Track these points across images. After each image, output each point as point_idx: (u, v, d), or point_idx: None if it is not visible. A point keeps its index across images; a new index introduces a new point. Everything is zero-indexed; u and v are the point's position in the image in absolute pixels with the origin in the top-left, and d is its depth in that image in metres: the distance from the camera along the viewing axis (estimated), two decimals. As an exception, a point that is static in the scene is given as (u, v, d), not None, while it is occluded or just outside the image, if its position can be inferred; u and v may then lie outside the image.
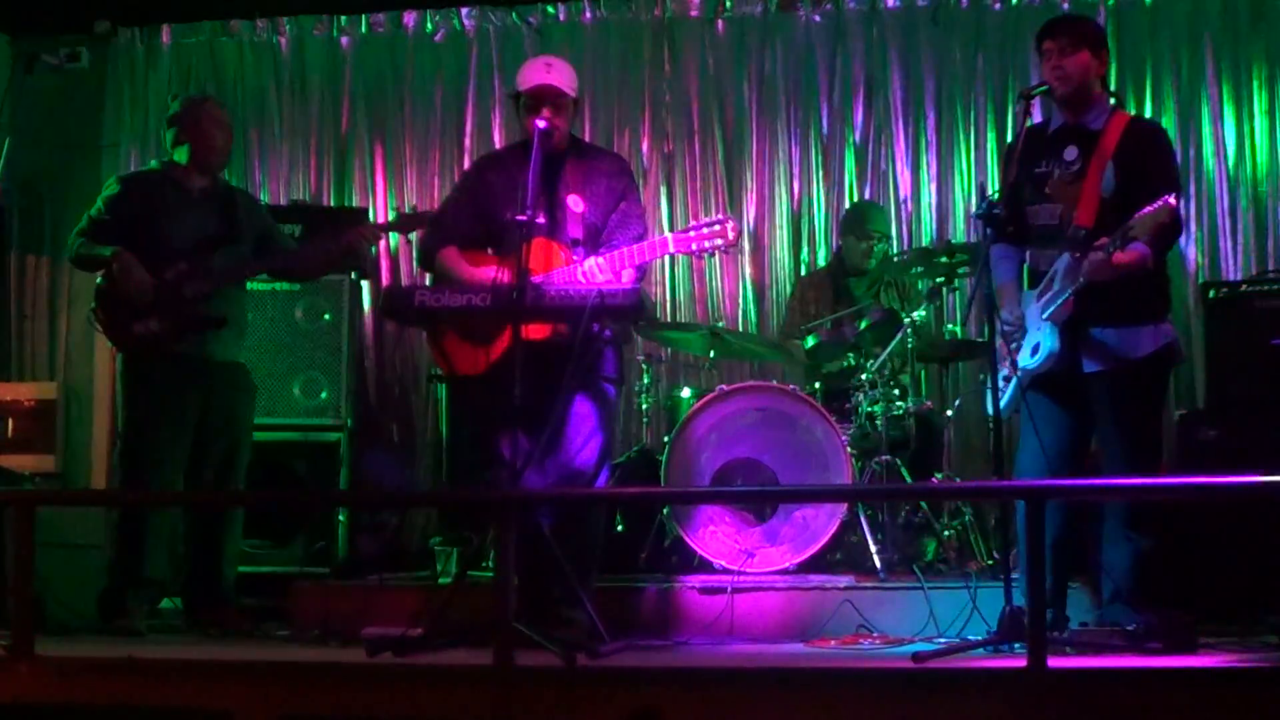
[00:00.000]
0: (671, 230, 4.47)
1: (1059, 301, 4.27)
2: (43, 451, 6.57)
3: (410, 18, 7.26)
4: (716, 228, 4.41)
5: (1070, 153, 4.42)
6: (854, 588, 4.93)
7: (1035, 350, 4.33)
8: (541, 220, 4.45)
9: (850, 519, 5.33)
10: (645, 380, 6.12)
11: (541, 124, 4.47)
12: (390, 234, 5.24)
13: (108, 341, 5.31)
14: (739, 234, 4.66)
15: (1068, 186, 4.39)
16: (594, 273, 4.41)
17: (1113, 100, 4.53)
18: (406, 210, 5.26)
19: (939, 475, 5.71)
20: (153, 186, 5.27)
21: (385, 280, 7.10)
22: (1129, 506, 4.31)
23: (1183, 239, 6.51)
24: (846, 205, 6.76)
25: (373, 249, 6.04)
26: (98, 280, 5.18)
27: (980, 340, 5.74)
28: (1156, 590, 4.28)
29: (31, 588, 3.91)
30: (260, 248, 5.34)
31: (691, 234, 4.42)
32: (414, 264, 6.84)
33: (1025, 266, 4.55)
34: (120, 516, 5.18)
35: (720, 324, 6.27)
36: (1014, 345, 4.40)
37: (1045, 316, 4.31)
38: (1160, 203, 4.04)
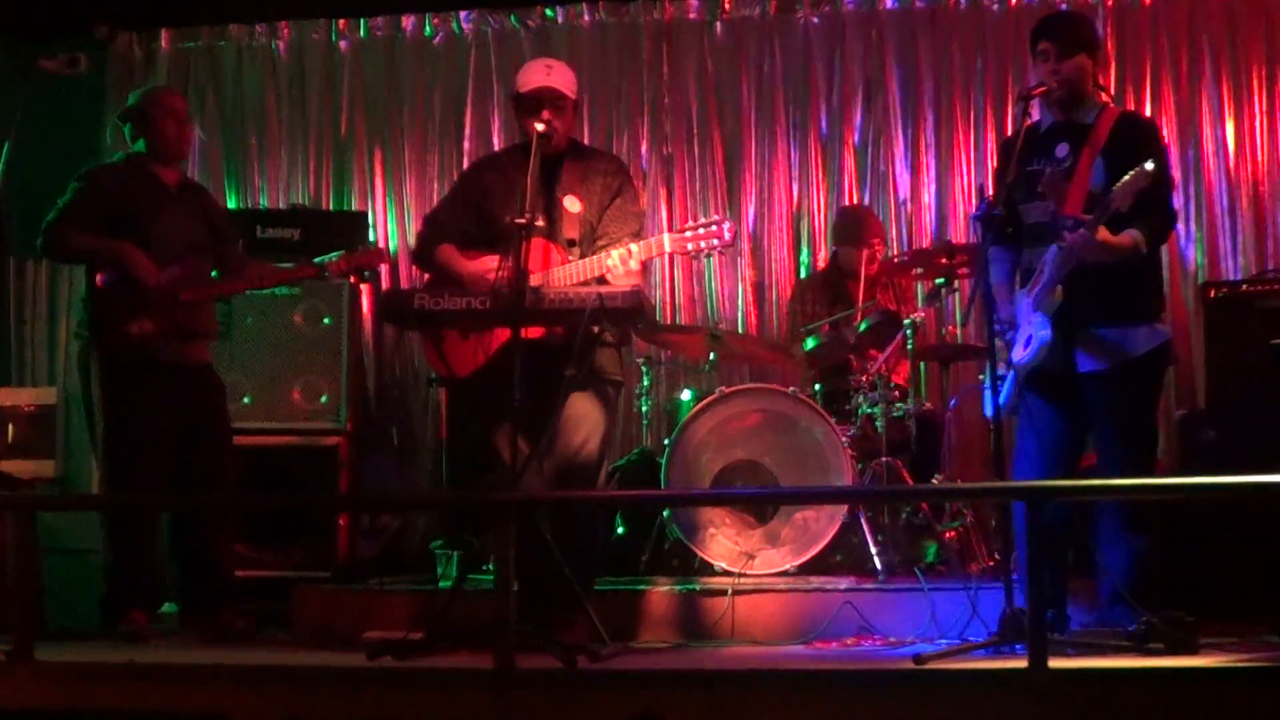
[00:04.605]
0: (668, 231, 4.45)
1: (1049, 290, 4.27)
2: (42, 456, 6.55)
3: (409, 21, 7.25)
4: (713, 228, 4.40)
5: (1062, 149, 4.42)
6: (855, 589, 4.92)
7: (1027, 343, 4.32)
8: (540, 222, 4.45)
9: (851, 521, 5.32)
10: (645, 383, 6.12)
11: (540, 126, 4.48)
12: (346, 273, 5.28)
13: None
14: (735, 234, 4.65)
15: (1059, 183, 4.39)
16: (626, 262, 4.39)
17: (1105, 96, 4.54)
18: (357, 249, 5.31)
19: (939, 477, 5.71)
20: (125, 180, 5.20)
21: (384, 284, 7.09)
22: (1128, 506, 4.31)
23: (1182, 239, 6.52)
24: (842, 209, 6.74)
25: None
26: (84, 286, 5.13)
27: (979, 346, 5.74)
28: (1157, 590, 4.27)
29: (32, 592, 3.91)
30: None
31: (688, 234, 4.42)
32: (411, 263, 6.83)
33: (1020, 267, 4.55)
34: (113, 522, 5.11)
35: (720, 326, 6.25)
36: (1008, 340, 4.40)
37: (1035, 308, 4.31)
38: (1138, 168, 4.04)
